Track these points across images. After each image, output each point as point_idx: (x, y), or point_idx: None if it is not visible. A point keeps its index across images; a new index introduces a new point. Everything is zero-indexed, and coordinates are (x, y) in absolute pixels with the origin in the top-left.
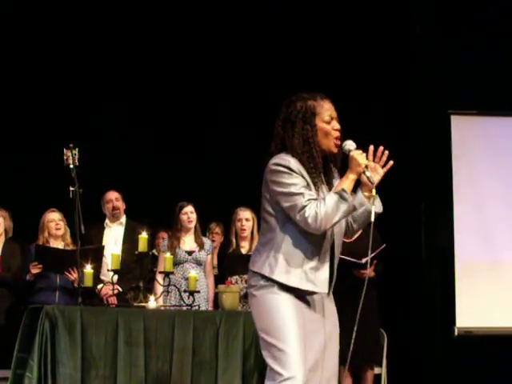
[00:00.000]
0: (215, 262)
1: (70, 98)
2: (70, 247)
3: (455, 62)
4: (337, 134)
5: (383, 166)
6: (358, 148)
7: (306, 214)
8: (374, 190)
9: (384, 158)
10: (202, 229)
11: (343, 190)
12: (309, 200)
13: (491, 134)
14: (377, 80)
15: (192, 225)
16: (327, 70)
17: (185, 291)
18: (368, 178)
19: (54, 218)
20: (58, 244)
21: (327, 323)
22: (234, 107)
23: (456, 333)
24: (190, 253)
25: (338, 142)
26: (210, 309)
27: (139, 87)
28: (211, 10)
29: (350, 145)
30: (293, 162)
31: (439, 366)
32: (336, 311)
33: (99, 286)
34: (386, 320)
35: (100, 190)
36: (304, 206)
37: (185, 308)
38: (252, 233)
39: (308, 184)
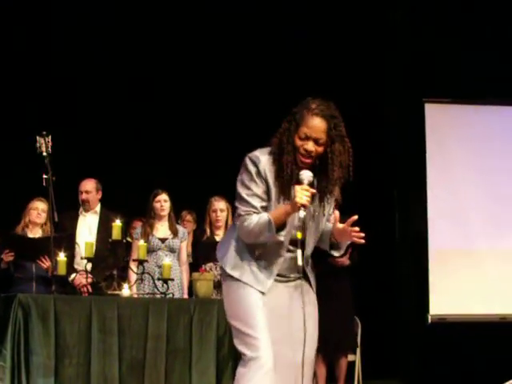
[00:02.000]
0: (189, 249)
1: (44, 85)
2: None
3: (429, 49)
4: (303, 153)
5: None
6: (312, 184)
7: (238, 224)
8: (298, 234)
9: (356, 230)
10: (175, 216)
11: (271, 220)
12: (248, 212)
13: (465, 122)
14: (351, 67)
15: (165, 213)
16: (302, 57)
17: (159, 279)
18: (298, 217)
19: (37, 207)
20: (36, 232)
21: (297, 310)
22: (208, 95)
23: (429, 320)
24: (163, 240)
25: (304, 161)
26: (185, 296)
27: (113, 75)
28: (199, 12)
29: (304, 177)
30: (263, 162)
31: (413, 353)
32: (314, 301)
33: (72, 276)
34: (359, 307)
35: (76, 178)
36: (241, 216)
37: (159, 296)
38: (226, 222)
39: (268, 189)
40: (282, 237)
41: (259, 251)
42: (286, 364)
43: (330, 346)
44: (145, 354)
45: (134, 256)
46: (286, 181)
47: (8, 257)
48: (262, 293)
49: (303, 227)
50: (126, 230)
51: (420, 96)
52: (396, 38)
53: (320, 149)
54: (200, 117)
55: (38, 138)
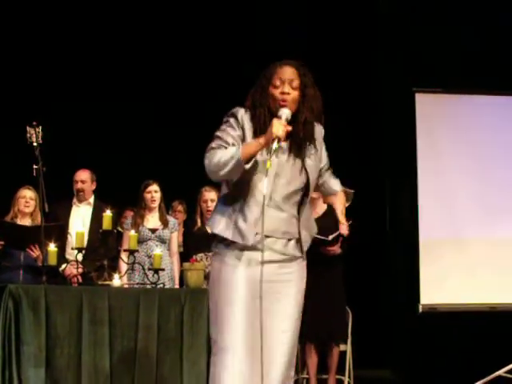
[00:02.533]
0: (180, 239)
1: (33, 74)
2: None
3: (420, 39)
4: (282, 97)
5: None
6: (294, 124)
7: (206, 155)
8: (268, 163)
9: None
10: (166, 207)
11: (242, 147)
12: (218, 145)
13: (455, 112)
14: (341, 57)
15: (155, 204)
16: (292, 48)
17: (149, 269)
18: (271, 148)
19: (25, 195)
20: (25, 221)
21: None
22: (199, 83)
23: (420, 310)
24: (153, 230)
25: (283, 104)
26: (176, 287)
27: (104, 64)
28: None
29: (282, 113)
30: (241, 111)
31: (404, 343)
32: (301, 277)
33: (63, 266)
34: (351, 297)
35: (66, 168)
36: (210, 148)
37: (149, 286)
38: None
39: (244, 137)
40: (249, 164)
41: (239, 201)
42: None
43: (321, 336)
44: (136, 344)
45: (125, 246)
46: (261, 132)
47: None
48: (247, 248)
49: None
50: (118, 220)
51: (410, 86)
52: (386, 28)
53: (295, 92)
54: (190, 106)
55: (28, 128)
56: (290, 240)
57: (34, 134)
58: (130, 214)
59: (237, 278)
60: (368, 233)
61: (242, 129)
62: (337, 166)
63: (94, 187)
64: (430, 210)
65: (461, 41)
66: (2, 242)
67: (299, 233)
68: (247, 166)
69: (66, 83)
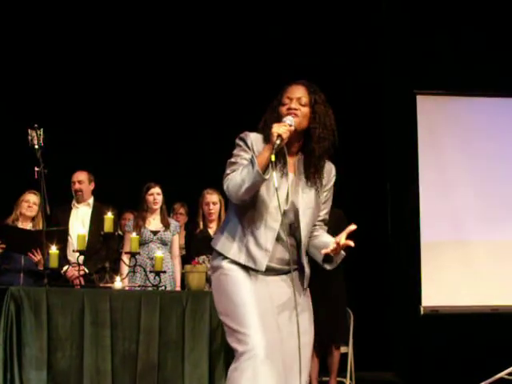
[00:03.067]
0: (181, 242)
1: (34, 77)
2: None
3: (421, 41)
4: (287, 112)
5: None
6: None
7: (224, 182)
8: (273, 156)
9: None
10: (167, 209)
11: (253, 157)
12: (233, 169)
13: (457, 114)
14: (343, 59)
15: (158, 206)
16: (294, 50)
17: (151, 271)
18: (273, 143)
19: (28, 199)
20: (27, 225)
21: (283, 304)
22: (200, 85)
23: (422, 312)
24: (155, 233)
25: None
26: (177, 289)
27: (106, 67)
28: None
29: (285, 119)
30: (250, 136)
31: (405, 345)
32: (305, 295)
33: (64, 268)
34: (352, 299)
35: (67, 171)
36: (226, 175)
37: (151, 288)
38: (219, 215)
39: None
40: (267, 175)
41: (251, 225)
42: (279, 352)
43: (322, 338)
44: (137, 346)
45: (126, 248)
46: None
47: None
48: (255, 270)
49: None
50: (118, 222)
51: (411, 88)
52: (388, 30)
53: (304, 109)
54: (191, 108)
55: (29, 130)
56: (285, 266)
57: (36, 137)
58: (129, 216)
59: (245, 286)
60: (370, 235)
61: (253, 151)
62: (339, 168)
63: (92, 187)
64: (432, 212)
65: (462, 42)
66: (3, 246)
67: (300, 263)
68: (267, 177)
69: (68, 85)
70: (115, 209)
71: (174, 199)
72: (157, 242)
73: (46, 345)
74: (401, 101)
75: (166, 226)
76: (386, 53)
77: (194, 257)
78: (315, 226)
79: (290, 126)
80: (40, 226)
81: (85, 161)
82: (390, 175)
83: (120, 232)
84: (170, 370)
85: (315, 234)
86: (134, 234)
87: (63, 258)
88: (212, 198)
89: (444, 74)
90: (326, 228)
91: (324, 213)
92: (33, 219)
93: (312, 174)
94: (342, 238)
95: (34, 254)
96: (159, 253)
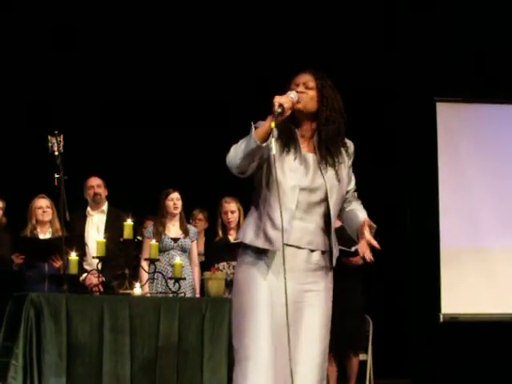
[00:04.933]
0: (201, 248)
1: (55, 84)
2: (60, 233)
3: (441, 48)
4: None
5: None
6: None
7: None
8: (273, 124)
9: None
10: (186, 216)
11: (251, 126)
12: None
13: (476, 121)
14: (362, 66)
15: (178, 211)
16: (311, 57)
17: (170, 278)
18: (274, 111)
19: (41, 205)
20: (45, 230)
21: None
22: (220, 93)
23: (441, 319)
24: (175, 240)
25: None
26: (197, 296)
27: (123, 74)
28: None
29: (289, 93)
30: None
31: (425, 353)
32: (328, 288)
33: (83, 276)
34: (371, 306)
35: (84, 177)
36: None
37: (170, 295)
38: (238, 222)
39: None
40: (266, 143)
41: (267, 208)
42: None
43: (341, 345)
44: (156, 353)
45: (146, 255)
46: (285, 134)
47: (18, 259)
48: (272, 257)
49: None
50: (138, 229)
51: (431, 95)
52: (407, 36)
53: (311, 92)
54: (209, 112)
55: (49, 137)
56: (312, 251)
57: (56, 143)
58: (149, 223)
59: (260, 287)
60: (389, 242)
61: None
62: (357, 176)
63: (106, 193)
64: (451, 219)
65: (483, 49)
66: (22, 257)
67: (329, 245)
68: (264, 144)
69: (85, 92)
70: (134, 215)
71: (193, 205)
72: (177, 249)
73: (65, 351)
74: (420, 107)
75: (185, 232)
76: (405, 60)
77: (214, 263)
78: (346, 199)
79: (293, 98)
80: (58, 232)
81: (101, 167)
82: (409, 182)
83: (139, 237)
84: (188, 376)
85: (351, 206)
86: (153, 241)
87: (81, 267)
88: (230, 206)
89: (463, 81)
90: (359, 200)
91: (352, 185)
92: (51, 224)
93: (327, 155)
94: (366, 235)
95: (54, 261)
96: (178, 259)
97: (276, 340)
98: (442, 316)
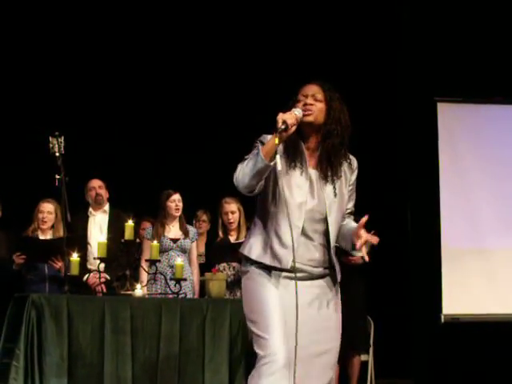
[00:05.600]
0: (202, 249)
1: (56, 85)
2: (61, 235)
3: (441, 48)
4: (303, 108)
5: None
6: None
7: (234, 174)
8: (276, 140)
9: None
10: (189, 217)
11: (258, 145)
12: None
13: (477, 121)
14: (362, 66)
15: (179, 213)
16: (312, 57)
17: (171, 279)
18: (278, 128)
19: (43, 210)
20: (46, 233)
21: (309, 309)
22: (221, 94)
23: (442, 320)
24: (174, 241)
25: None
26: (196, 296)
27: (124, 75)
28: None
29: (293, 110)
30: (268, 137)
31: (426, 353)
32: (335, 299)
33: (86, 276)
34: (372, 307)
35: (84, 179)
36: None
37: (171, 296)
38: (239, 223)
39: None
40: (273, 162)
41: (274, 225)
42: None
43: (342, 345)
44: (158, 354)
45: (146, 256)
46: (292, 148)
47: (19, 259)
48: (283, 271)
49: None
50: (136, 230)
51: (432, 95)
52: (408, 37)
53: (320, 104)
54: (212, 114)
55: (50, 138)
56: (316, 267)
57: (57, 145)
58: (146, 224)
59: (270, 293)
60: (390, 242)
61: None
62: (358, 176)
63: (107, 195)
64: (453, 219)
65: (483, 49)
66: (23, 257)
67: (329, 261)
68: (272, 163)
69: (86, 93)
70: (135, 216)
71: (196, 206)
72: (177, 250)
73: (66, 352)
74: (421, 108)
75: (185, 233)
76: (406, 60)
77: (215, 264)
78: (343, 218)
79: (297, 114)
80: (60, 234)
81: (102, 168)
82: (409, 183)
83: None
84: (190, 377)
85: (342, 223)
86: (154, 242)
87: (83, 267)
88: (230, 207)
89: (464, 81)
90: (352, 217)
91: (351, 205)
92: (52, 227)
93: (331, 170)
94: (363, 234)
95: (54, 262)
96: (179, 260)
97: (290, 344)
98: (443, 316)
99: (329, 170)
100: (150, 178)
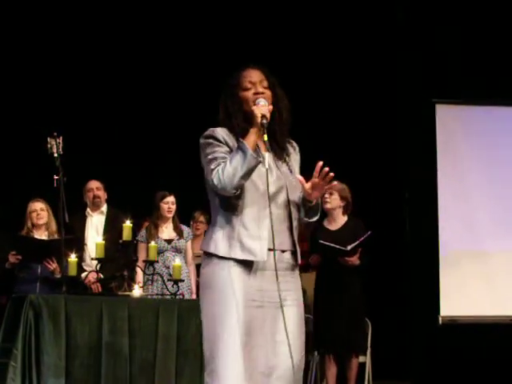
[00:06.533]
0: (197, 250)
1: (54, 86)
2: (55, 237)
3: (440, 50)
4: (255, 96)
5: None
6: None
7: (212, 176)
8: (265, 136)
9: (327, 179)
10: (186, 218)
11: (241, 142)
12: (217, 163)
13: (476, 123)
14: (361, 68)
15: (171, 214)
16: (311, 61)
17: (169, 280)
18: (262, 125)
19: (36, 208)
20: (41, 234)
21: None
22: (215, 96)
23: (440, 321)
24: (169, 241)
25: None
26: (193, 297)
27: (121, 77)
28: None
29: (259, 100)
30: (218, 130)
31: (424, 355)
32: (298, 287)
33: (83, 274)
34: (370, 309)
35: (82, 179)
36: (212, 170)
37: (169, 297)
38: None
39: (232, 151)
40: (262, 159)
41: (240, 217)
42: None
43: (340, 347)
44: (155, 354)
45: (142, 257)
46: (243, 138)
47: (13, 258)
48: (254, 266)
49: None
50: (135, 231)
51: (431, 97)
52: (406, 38)
53: (268, 91)
54: (209, 116)
55: (49, 139)
56: (283, 251)
57: (55, 145)
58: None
59: (233, 288)
60: (388, 244)
61: (227, 144)
62: (356, 178)
63: (106, 196)
64: (451, 223)
65: (482, 50)
66: (19, 257)
67: (294, 245)
68: (260, 159)
69: (85, 94)
70: (133, 217)
71: (193, 207)
72: (171, 251)
73: (64, 352)
74: (419, 110)
75: (179, 233)
76: (405, 62)
77: None
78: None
79: (266, 104)
80: (54, 232)
81: (100, 169)
82: (408, 185)
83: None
84: (187, 378)
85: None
86: (152, 243)
87: (79, 267)
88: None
89: (463, 83)
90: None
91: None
92: (46, 226)
93: (281, 153)
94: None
95: (49, 263)
96: (177, 261)
97: (251, 340)
98: (440, 318)
99: (281, 153)
100: (148, 178)
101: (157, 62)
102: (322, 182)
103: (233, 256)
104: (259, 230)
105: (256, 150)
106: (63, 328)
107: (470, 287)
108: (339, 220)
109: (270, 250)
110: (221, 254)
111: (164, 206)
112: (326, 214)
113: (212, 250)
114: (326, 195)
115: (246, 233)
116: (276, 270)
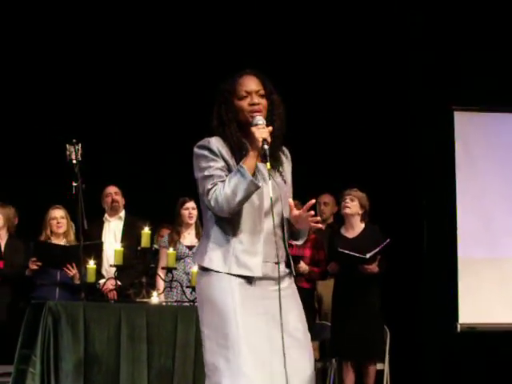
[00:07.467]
0: None
1: (73, 93)
2: (74, 243)
3: (458, 57)
4: (251, 108)
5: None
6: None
7: (209, 197)
8: (268, 164)
9: (311, 212)
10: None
11: (241, 166)
12: (214, 183)
13: (494, 130)
14: (379, 75)
15: (193, 220)
16: (327, 66)
17: (187, 287)
18: (265, 151)
19: (56, 216)
20: (59, 241)
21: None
22: None
23: (459, 329)
24: (190, 248)
25: (256, 114)
26: None
27: (140, 82)
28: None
29: (257, 120)
30: (213, 141)
31: (442, 363)
32: (295, 292)
33: (101, 281)
34: (388, 316)
35: (101, 186)
36: (209, 190)
37: (187, 304)
38: None
39: (228, 165)
40: (260, 182)
41: (236, 232)
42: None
43: (358, 354)
44: (173, 361)
45: (162, 263)
46: (238, 149)
47: (34, 265)
48: (248, 280)
49: (267, 156)
50: (155, 237)
51: (449, 104)
52: (425, 46)
53: (264, 101)
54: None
55: (68, 145)
56: (277, 263)
57: (74, 152)
58: (166, 231)
59: (233, 297)
60: (406, 251)
61: (222, 157)
62: (375, 185)
63: (123, 202)
64: (469, 229)
65: (501, 57)
66: (39, 263)
67: (287, 254)
68: (260, 184)
69: (104, 101)
70: (151, 223)
71: None
72: (192, 257)
73: (82, 359)
74: (438, 117)
75: None
76: (422, 69)
77: None
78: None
79: (264, 124)
80: (71, 239)
81: (119, 174)
82: (425, 192)
83: (156, 246)
84: None
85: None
86: (170, 250)
87: (98, 273)
88: None
89: (481, 90)
90: None
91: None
92: (64, 234)
93: (275, 163)
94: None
95: (69, 269)
96: (196, 268)
97: (260, 348)
98: (459, 326)
99: (275, 163)
100: (167, 184)
101: (178, 68)
102: (305, 216)
103: (228, 271)
104: (254, 246)
105: (255, 173)
106: (82, 335)
107: (489, 294)
108: (357, 227)
109: (266, 262)
110: (216, 269)
111: (185, 212)
112: (343, 222)
113: (207, 264)
114: (347, 200)
115: (242, 248)
116: (279, 283)
